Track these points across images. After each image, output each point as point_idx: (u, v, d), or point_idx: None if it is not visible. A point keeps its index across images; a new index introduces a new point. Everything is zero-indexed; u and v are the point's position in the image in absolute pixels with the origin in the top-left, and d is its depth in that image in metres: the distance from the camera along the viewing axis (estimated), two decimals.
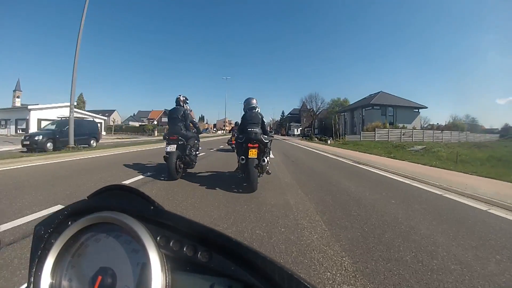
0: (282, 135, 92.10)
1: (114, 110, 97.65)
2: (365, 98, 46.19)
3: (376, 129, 31.00)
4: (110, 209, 0.44)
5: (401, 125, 36.26)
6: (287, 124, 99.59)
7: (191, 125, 6.34)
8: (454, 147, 22.44)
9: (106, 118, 47.88)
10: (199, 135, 6.95)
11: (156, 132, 47.33)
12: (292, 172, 7.30)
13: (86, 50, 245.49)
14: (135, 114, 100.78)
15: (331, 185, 5.62)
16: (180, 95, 6.37)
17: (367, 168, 8.92)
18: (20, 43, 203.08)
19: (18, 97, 63.19)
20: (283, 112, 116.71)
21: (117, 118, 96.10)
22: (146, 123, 67.25)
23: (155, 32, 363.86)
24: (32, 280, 0.43)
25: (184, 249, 0.38)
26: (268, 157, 5.26)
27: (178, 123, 5.97)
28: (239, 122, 6.49)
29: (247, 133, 4.98)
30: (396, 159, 12.87)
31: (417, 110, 42.55)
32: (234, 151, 8.89)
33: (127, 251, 0.40)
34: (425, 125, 45.42)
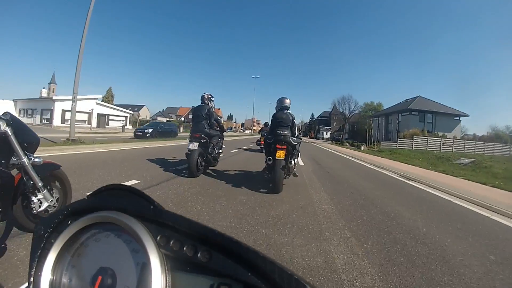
0: (310, 137, 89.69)
1: (143, 105, 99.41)
2: (400, 103, 43.25)
3: (414, 136, 28.34)
4: (109, 209, 0.44)
5: (440, 133, 33.28)
6: (317, 127, 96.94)
7: (215, 123, 6.33)
8: (504, 161, 19.65)
9: (132, 112, 47.82)
10: (223, 134, 7.00)
11: (181, 128, 46.73)
12: (330, 191, 5.54)
13: (122, 46, 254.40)
14: (164, 110, 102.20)
15: (390, 219, 3.89)
16: (205, 93, 6.40)
17: (421, 187, 7.10)
18: (55, 36, 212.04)
19: (53, 90, 66.47)
20: (312, 115, 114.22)
21: (146, 113, 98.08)
22: (173, 119, 67.47)
23: (186, 32, 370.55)
24: (32, 280, 0.43)
25: (184, 249, 0.38)
26: (296, 159, 5.34)
27: (202, 121, 6.04)
28: (269, 122, 6.99)
29: (276, 134, 5.05)
30: (447, 174, 10.81)
31: (457, 118, 39.17)
32: (262, 152, 9.28)
33: (127, 251, 0.41)
34: (461, 135, 41.73)
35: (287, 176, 5.26)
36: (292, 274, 0.33)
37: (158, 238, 0.39)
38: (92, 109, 34.91)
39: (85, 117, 35.08)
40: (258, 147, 14.50)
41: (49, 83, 69.42)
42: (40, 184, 2.15)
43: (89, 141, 11.13)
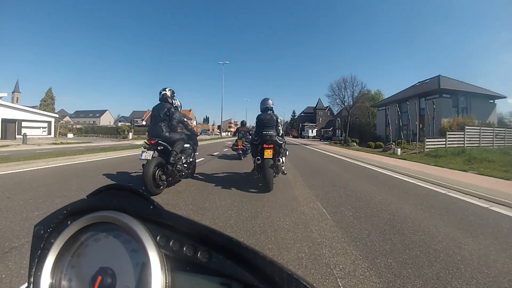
0: (294, 136, 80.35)
1: (105, 110, 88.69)
2: (415, 85, 33.40)
3: (466, 127, 18.27)
4: (109, 209, 0.44)
5: (487, 121, 23.71)
6: (300, 125, 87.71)
7: (180, 125, 5.46)
8: None
9: (57, 116, 35.89)
10: (196, 139, 6.31)
11: (131, 134, 35.65)
12: None
13: (86, 50, 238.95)
14: (130, 114, 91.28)
15: None
16: (165, 88, 5.28)
17: None
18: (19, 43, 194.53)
19: (17, 99, 59.36)
20: (294, 112, 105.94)
21: (109, 119, 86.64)
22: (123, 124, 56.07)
23: (157, 31, 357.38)
24: (32, 280, 0.44)
25: (184, 249, 0.38)
26: (283, 158, 5.38)
27: (160, 123, 5.00)
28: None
29: (262, 135, 5.20)
30: None
31: (492, 101, 29.74)
32: (241, 159, 10.31)
33: (127, 251, 0.40)
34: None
35: (276, 175, 5.43)
36: (291, 273, 0.32)
37: (158, 238, 0.39)
38: None
39: None
40: (235, 153, 11.49)
41: (13, 92, 62.21)
42: None
43: None
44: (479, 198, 4.98)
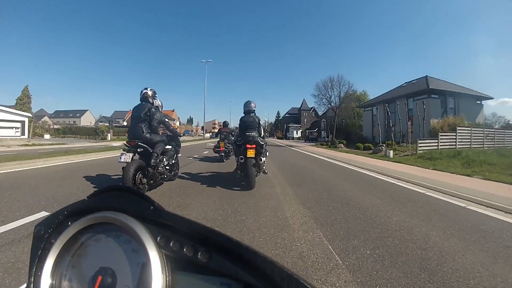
0: (278, 138, 79.57)
1: (86, 110, 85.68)
2: (402, 86, 33.07)
3: (458, 128, 17.70)
4: (110, 209, 0.44)
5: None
6: (285, 126, 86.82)
7: (160, 126, 5.18)
8: None
9: (31, 115, 33.84)
10: (179, 139, 6.07)
11: (110, 135, 33.89)
12: None
13: (69, 49, 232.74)
14: (112, 114, 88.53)
15: None
16: (146, 88, 5.04)
17: None
18: None
19: None
20: (278, 113, 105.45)
21: (90, 119, 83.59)
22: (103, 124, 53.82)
23: (140, 30, 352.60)
24: (32, 280, 0.44)
25: (184, 249, 0.38)
26: (264, 157, 5.71)
27: (140, 123, 4.77)
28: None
29: (245, 136, 5.47)
30: None
31: (479, 102, 29.62)
32: (223, 161, 10.11)
33: (127, 251, 0.41)
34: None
35: (258, 173, 5.57)
36: (291, 274, 0.32)
37: (158, 238, 0.39)
38: None
39: None
40: (217, 155, 10.72)
41: None
42: None
43: None
44: (505, 213, 4.20)
